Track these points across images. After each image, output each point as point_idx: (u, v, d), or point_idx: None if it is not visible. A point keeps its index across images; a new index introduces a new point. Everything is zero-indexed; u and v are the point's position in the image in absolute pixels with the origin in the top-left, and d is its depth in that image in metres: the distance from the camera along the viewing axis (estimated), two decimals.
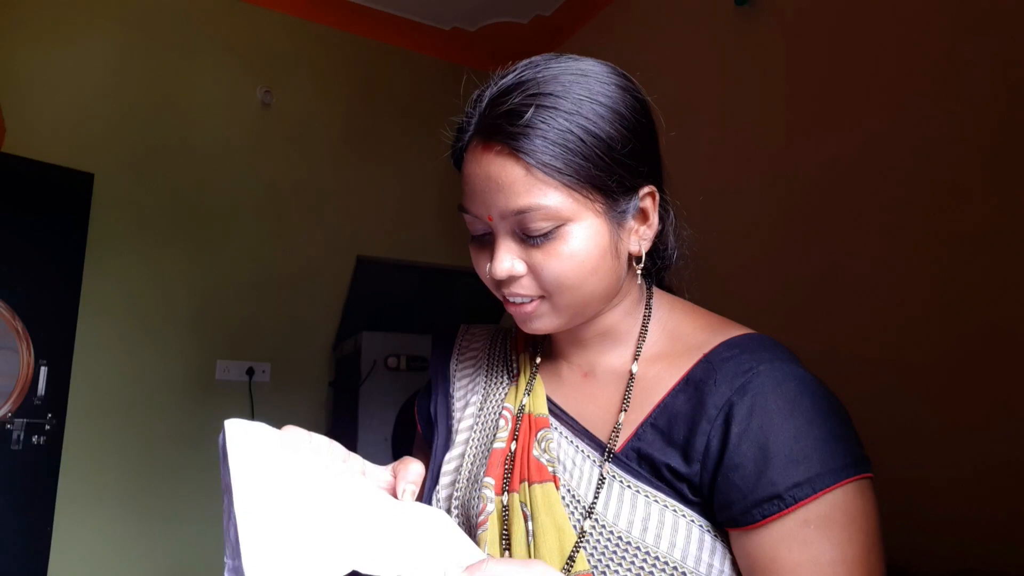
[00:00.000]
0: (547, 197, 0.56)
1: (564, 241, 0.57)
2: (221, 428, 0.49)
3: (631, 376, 0.65)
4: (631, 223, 0.62)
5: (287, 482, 0.46)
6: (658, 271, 0.71)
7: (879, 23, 1.73)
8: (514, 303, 0.62)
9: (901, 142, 1.64)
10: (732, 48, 2.18)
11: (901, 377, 1.55)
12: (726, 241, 2.04)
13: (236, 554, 0.41)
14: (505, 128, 0.57)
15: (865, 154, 1.72)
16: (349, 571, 0.41)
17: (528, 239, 0.58)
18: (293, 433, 0.53)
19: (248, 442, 0.48)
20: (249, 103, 2.87)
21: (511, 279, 0.60)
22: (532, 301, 0.61)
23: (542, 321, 0.62)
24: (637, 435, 0.61)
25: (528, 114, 0.56)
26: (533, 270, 0.59)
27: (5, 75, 2.39)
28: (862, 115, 1.74)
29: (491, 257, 0.61)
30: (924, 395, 1.51)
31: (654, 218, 0.63)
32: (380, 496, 0.53)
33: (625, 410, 0.63)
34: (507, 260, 0.59)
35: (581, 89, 0.58)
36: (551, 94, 0.57)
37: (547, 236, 0.57)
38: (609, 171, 0.58)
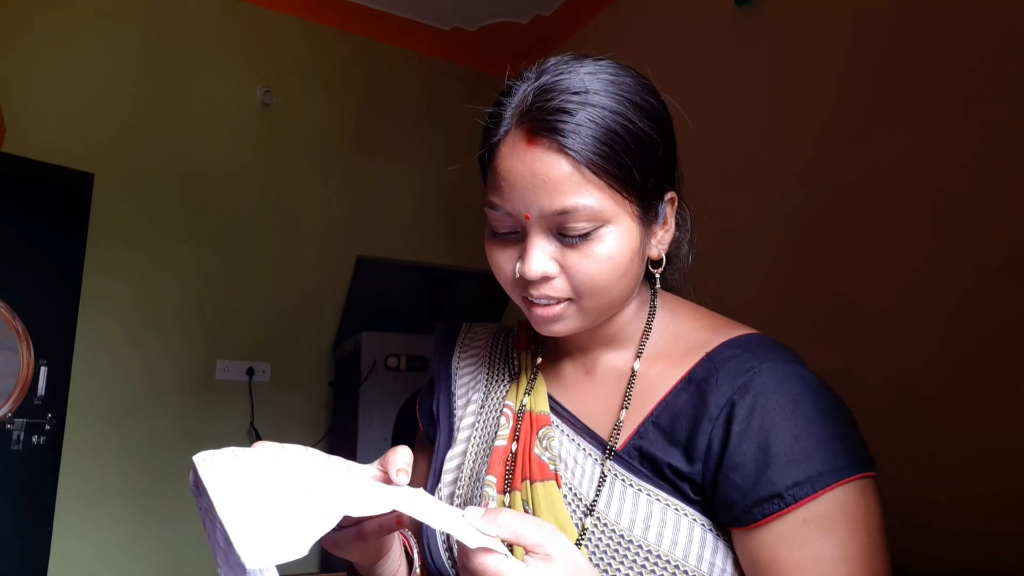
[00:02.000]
0: (591, 197, 0.56)
1: (601, 242, 0.57)
2: (191, 466, 0.49)
3: (632, 374, 0.65)
4: (655, 227, 0.62)
5: (262, 479, 0.47)
6: (665, 272, 0.71)
7: (882, 24, 1.73)
8: (539, 305, 0.61)
9: (904, 144, 1.64)
10: (732, 49, 2.18)
11: (911, 393, 1.54)
12: (726, 245, 2.03)
13: (228, 553, 0.42)
14: (555, 124, 0.55)
15: (869, 158, 1.72)
16: (337, 522, 0.43)
17: (564, 239, 0.57)
18: (265, 446, 0.53)
19: (219, 463, 0.48)
20: (249, 103, 2.87)
21: (543, 280, 0.59)
22: (559, 304, 0.60)
23: (565, 324, 0.61)
24: (639, 433, 0.61)
25: (579, 112, 0.55)
26: (566, 271, 0.58)
27: (5, 75, 2.39)
28: (864, 117, 1.74)
29: (520, 256, 0.59)
30: (931, 410, 1.50)
31: (672, 223, 0.64)
32: (364, 478, 0.53)
33: (626, 408, 0.63)
34: (541, 261, 0.58)
35: (621, 90, 0.58)
36: (597, 93, 0.56)
37: (585, 237, 0.57)
38: (648, 174, 0.58)
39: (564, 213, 0.56)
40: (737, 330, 0.64)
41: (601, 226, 0.57)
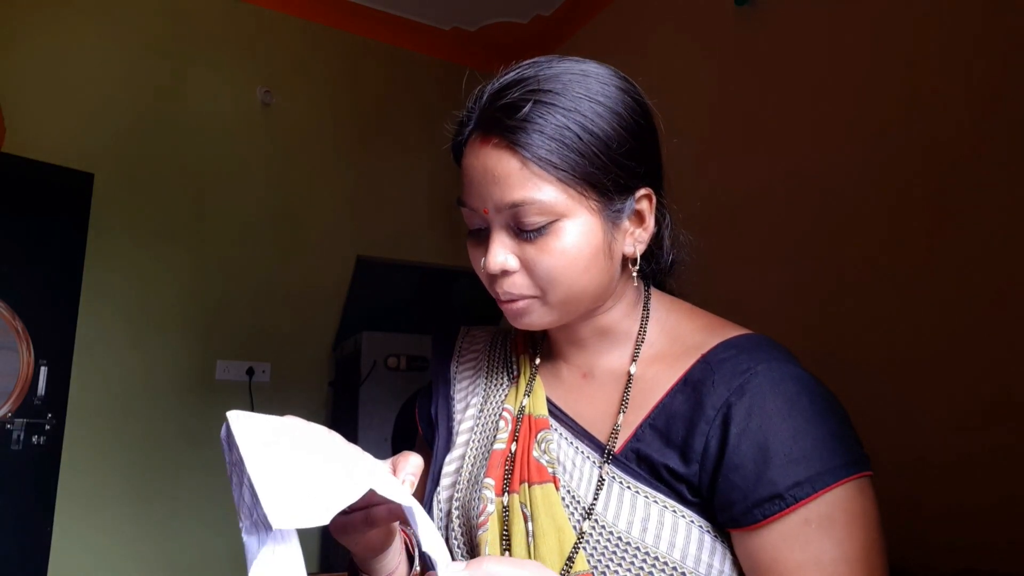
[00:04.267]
0: (542, 192, 0.57)
1: (557, 237, 0.58)
2: (224, 420, 0.50)
3: (629, 377, 0.65)
4: (626, 224, 0.62)
5: (293, 445, 0.48)
6: (657, 274, 0.71)
7: (882, 24, 1.73)
8: (505, 300, 0.62)
9: (904, 145, 1.64)
10: (733, 49, 2.18)
11: (902, 379, 1.55)
12: (725, 244, 2.04)
13: (254, 509, 0.43)
14: (503, 121, 0.57)
15: (867, 157, 1.72)
16: (362, 494, 0.44)
17: (522, 234, 0.59)
18: (293, 420, 0.54)
19: (251, 423, 0.50)
20: (249, 103, 2.87)
21: (504, 274, 0.60)
22: (523, 299, 0.61)
23: (533, 318, 0.63)
24: (636, 436, 0.61)
25: (526, 108, 0.57)
26: (526, 265, 0.60)
27: (5, 75, 2.39)
28: (864, 118, 1.74)
29: (487, 251, 0.61)
30: (924, 396, 1.51)
31: (650, 221, 0.63)
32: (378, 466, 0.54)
33: (624, 411, 0.63)
34: (501, 254, 0.60)
35: (580, 88, 0.58)
36: (550, 91, 0.58)
37: (541, 231, 0.58)
38: (605, 169, 0.58)
39: (515, 207, 0.57)
40: (733, 331, 0.63)
41: (556, 220, 0.58)
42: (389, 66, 3.21)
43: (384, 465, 0.57)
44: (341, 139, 3.06)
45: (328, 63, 3.07)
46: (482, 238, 0.63)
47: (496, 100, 0.59)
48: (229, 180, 2.79)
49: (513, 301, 0.62)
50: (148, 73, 2.67)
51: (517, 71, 0.61)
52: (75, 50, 2.54)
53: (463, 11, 3.06)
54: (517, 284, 0.60)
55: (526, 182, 0.57)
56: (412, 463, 0.55)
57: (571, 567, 0.57)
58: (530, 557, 0.60)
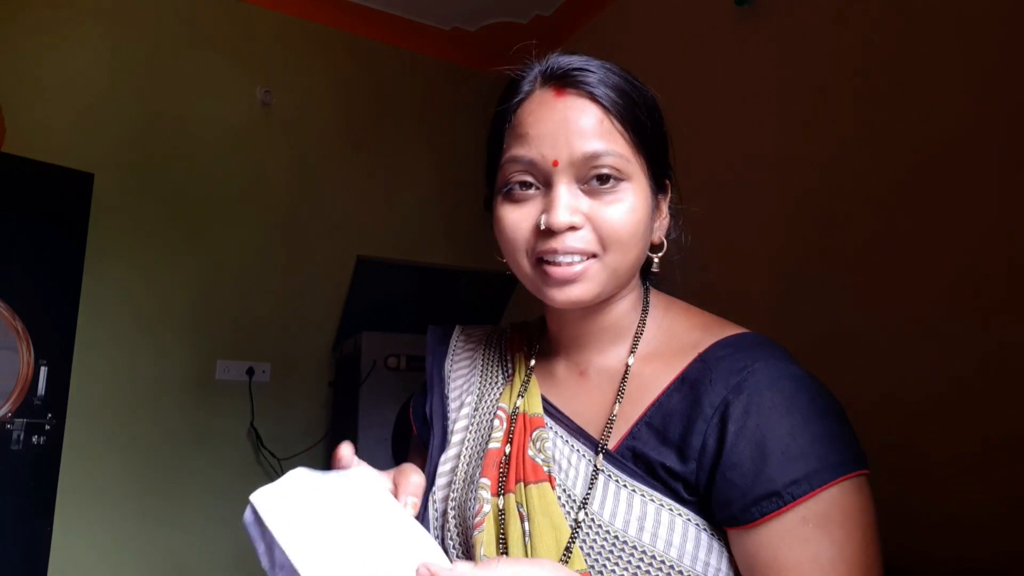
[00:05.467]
0: (619, 145, 0.59)
1: (624, 195, 0.60)
2: (248, 504, 0.50)
3: (626, 370, 0.65)
4: (660, 203, 0.67)
5: (327, 529, 0.48)
6: (654, 273, 0.71)
7: (882, 23, 1.73)
8: (560, 264, 0.60)
9: (906, 145, 1.64)
10: (732, 49, 2.18)
11: (911, 392, 1.54)
12: (724, 245, 2.03)
13: None
14: (581, 78, 0.60)
15: (869, 158, 1.72)
16: None
17: (592, 186, 0.60)
18: (305, 479, 0.54)
19: (279, 506, 0.49)
20: (249, 103, 2.87)
21: (571, 229, 0.59)
22: (584, 260, 0.60)
23: (585, 286, 0.60)
24: (632, 434, 0.61)
25: (599, 72, 0.61)
26: (592, 221, 0.60)
27: (5, 75, 2.39)
28: (865, 118, 1.74)
29: (543, 210, 0.60)
30: (924, 395, 1.51)
31: (666, 211, 0.67)
32: (398, 516, 0.53)
33: (619, 402, 0.63)
34: (570, 206, 0.59)
35: (621, 69, 0.64)
36: (603, 66, 0.63)
37: (613, 188, 0.60)
38: (657, 143, 0.63)
39: (596, 156, 0.59)
40: (729, 329, 0.64)
41: (624, 180, 0.60)
42: (389, 66, 3.21)
43: (386, 481, 0.57)
44: (341, 139, 3.06)
45: (328, 63, 3.07)
46: (529, 198, 0.62)
47: (564, 64, 0.62)
48: (229, 180, 2.78)
49: (570, 264, 0.59)
50: (148, 73, 2.67)
51: (561, 53, 0.65)
52: (75, 50, 2.54)
53: (463, 11, 3.06)
54: (582, 238, 0.59)
55: (606, 134, 0.59)
56: (413, 483, 0.56)
57: (567, 563, 0.57)
58: (527, 556, 0.60)
